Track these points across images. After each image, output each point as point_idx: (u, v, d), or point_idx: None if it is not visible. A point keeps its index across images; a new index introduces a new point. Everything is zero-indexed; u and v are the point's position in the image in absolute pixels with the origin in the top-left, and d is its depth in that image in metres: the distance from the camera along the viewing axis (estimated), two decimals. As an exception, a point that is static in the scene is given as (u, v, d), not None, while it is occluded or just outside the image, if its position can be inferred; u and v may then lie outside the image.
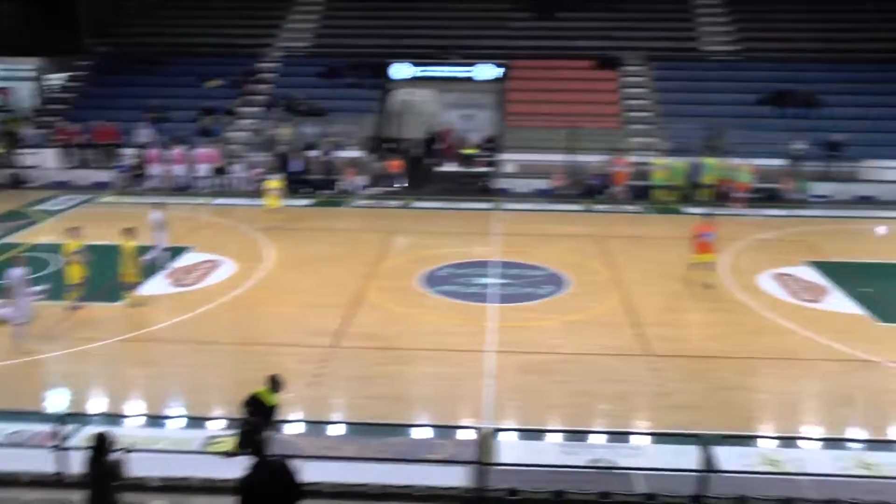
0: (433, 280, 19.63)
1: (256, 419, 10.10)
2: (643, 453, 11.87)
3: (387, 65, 33.82)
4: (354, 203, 28.50)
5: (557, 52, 34.92)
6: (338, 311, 17.27)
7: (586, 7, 37.01)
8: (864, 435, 13.09)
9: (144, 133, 31.48)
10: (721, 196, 28.77)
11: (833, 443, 12.48)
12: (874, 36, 35.65)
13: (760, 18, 36.56)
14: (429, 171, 31.09)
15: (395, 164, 30.34)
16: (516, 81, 33.69)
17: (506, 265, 20.78)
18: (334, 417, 12.89)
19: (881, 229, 18.92)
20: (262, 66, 35.43)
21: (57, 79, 37.04)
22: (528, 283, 19.48)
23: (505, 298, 18.40)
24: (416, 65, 33.80)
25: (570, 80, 33.81)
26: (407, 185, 30.11)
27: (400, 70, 33.80)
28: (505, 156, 31.05)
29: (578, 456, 11.54)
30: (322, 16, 38.08)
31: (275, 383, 10.65)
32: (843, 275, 20.57)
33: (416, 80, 34.06)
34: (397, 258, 21.66)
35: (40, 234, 23.32)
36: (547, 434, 12.47)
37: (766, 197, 29.18)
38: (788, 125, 31.26)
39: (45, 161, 31.60)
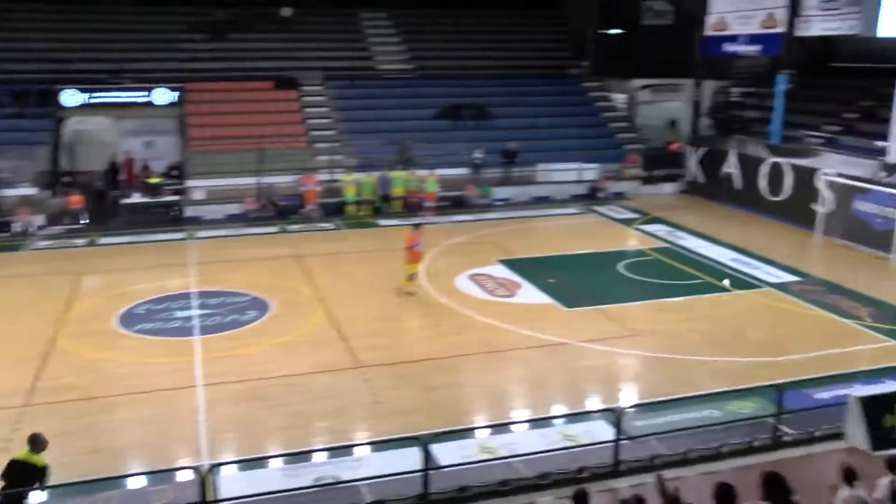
0: (131, 319, 18.49)
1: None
2: (366, 463, 12.02)
3: (56, 92, 31.26)
4: (33, 245, 26.06)
5: (235, 74, 34.40)
6: (28, 366, 15.65)
7: (258, 28, 36.79)
8: (564, 410, 14.26)
9: None
10: (412, 207, 29.93)
11: (538, 422, 13.43)
12: (536, 54, 39.08)
13: (429, 38, 38.67)
14: (114, 204, 29.28)
15: (75, 200, 28.18)
16: (196, 105, 32.70)
17: (206, 295, 20.09)
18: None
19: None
20: None
21: None
22: (231, 311, 18.99)
23: (209, 329, 17.80)
24: (86, 91, 31.59)
25: (251, 101, 33.45)
26: (90, 220, 28.14)
27: (71, 97, 31.42)
28: (192, 182, 30.02)
29: (303, 477, 11.49)
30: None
31: (36, 443, 9.71)
32: (531, 269, 22.27)
33: (90, 108, 31.83)
34: (89, 300, 20.07)
35: None
36: (269, 460, 12.24)
37: (453, 204, 30.76)
38: (468, 136, 33.25)
39: None
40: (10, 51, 33.25)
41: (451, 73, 36.77)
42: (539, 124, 35.04)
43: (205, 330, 17.73)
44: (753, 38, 30.55)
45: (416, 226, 21.37)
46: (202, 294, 20.12)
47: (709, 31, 32.76)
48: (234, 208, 29.39)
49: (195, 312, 18.80)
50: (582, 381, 15.42)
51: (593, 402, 14.55)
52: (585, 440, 12.44)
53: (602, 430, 12.43)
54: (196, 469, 10.60)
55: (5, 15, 34.41)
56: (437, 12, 39.62)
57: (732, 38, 31.58)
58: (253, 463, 12.01)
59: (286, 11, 36.53)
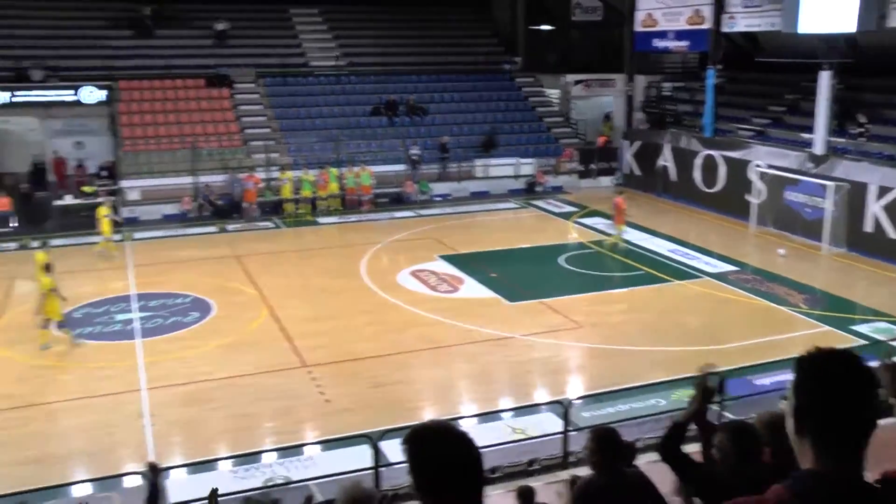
0: (70, 323, 17.90)
1: None
2: (315, 463, 11.99)
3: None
4: (-44, 251, 25.21)
5: (165, 73, 33.54)
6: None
7: (187, 24, 36.10)
8: (511, 403, 14.36)
9: None
10: (351, 203, 29.84)
11: (486, 416, 13.52)
12: (467, 50, 39.15)
13: (360, 35, 38.30)
14: (45, 206, 28.46)
15: (2, 202, 27.30)
16: (127, 104, 31.95)
17: (147, 297, 19.71)
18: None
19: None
20: None
21: None
22: (172, 313, 18.70)
23: (151, 332, 17.51)
24: (7, 89, 30.43)
25: (184, 99, 32.90)
26: (19, 224, 27.31)
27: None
28: (126, 183, 29.32)
29: (254, 479, 11.41)
30: None
31: None
32: (472, 264, 22.38)
33: (13, 107, 30.74)
34: (24, 306, 19.19)
35: None
36: (218, 463, 12.11)
37: (393, 200, 30.70)
38: (404, 133, 33.24)
39: None
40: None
41: (383, 70, 36.66)
42: (473, 120, 35.19)
43: (146, 333, 17.44)
44: (681, 34, 31.18)
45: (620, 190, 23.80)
46: (142, 296, 19.75)
47: (638, 28, 33.31)
48: (170, 208, 28.85)
49: (136, 315, 18.46)
50: (528, 374, 15.59)
51: (541, 395, 14.73)
52: (532, 433, 12.58)
53: (551, 422, 12.59)
54: (144, 474, 10.44)
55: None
56: (368, 8, 39.30)
57: (661, 34, 32.18)
58: (202, 466, 11.87)
59: (221, 25, 35.77)
